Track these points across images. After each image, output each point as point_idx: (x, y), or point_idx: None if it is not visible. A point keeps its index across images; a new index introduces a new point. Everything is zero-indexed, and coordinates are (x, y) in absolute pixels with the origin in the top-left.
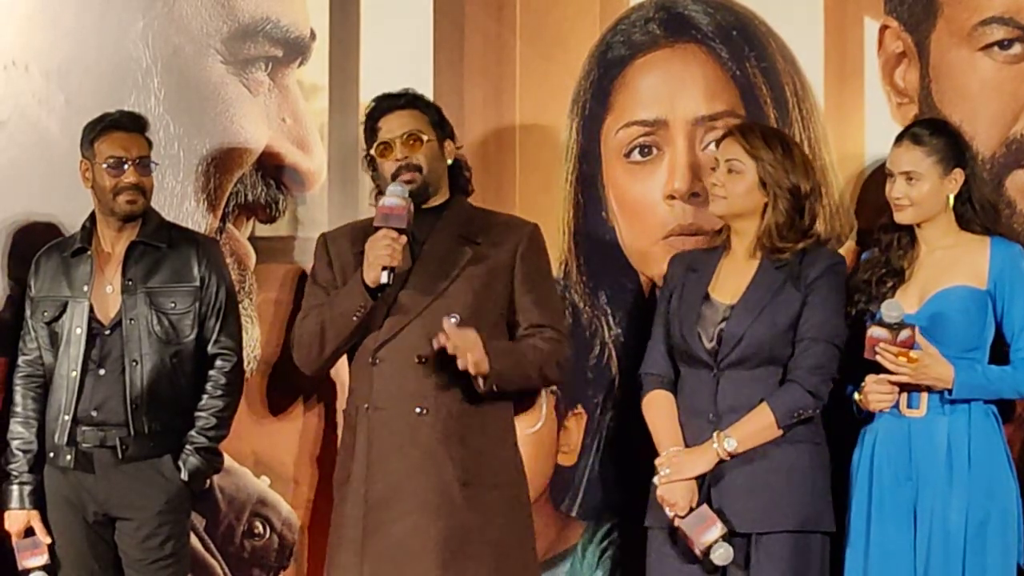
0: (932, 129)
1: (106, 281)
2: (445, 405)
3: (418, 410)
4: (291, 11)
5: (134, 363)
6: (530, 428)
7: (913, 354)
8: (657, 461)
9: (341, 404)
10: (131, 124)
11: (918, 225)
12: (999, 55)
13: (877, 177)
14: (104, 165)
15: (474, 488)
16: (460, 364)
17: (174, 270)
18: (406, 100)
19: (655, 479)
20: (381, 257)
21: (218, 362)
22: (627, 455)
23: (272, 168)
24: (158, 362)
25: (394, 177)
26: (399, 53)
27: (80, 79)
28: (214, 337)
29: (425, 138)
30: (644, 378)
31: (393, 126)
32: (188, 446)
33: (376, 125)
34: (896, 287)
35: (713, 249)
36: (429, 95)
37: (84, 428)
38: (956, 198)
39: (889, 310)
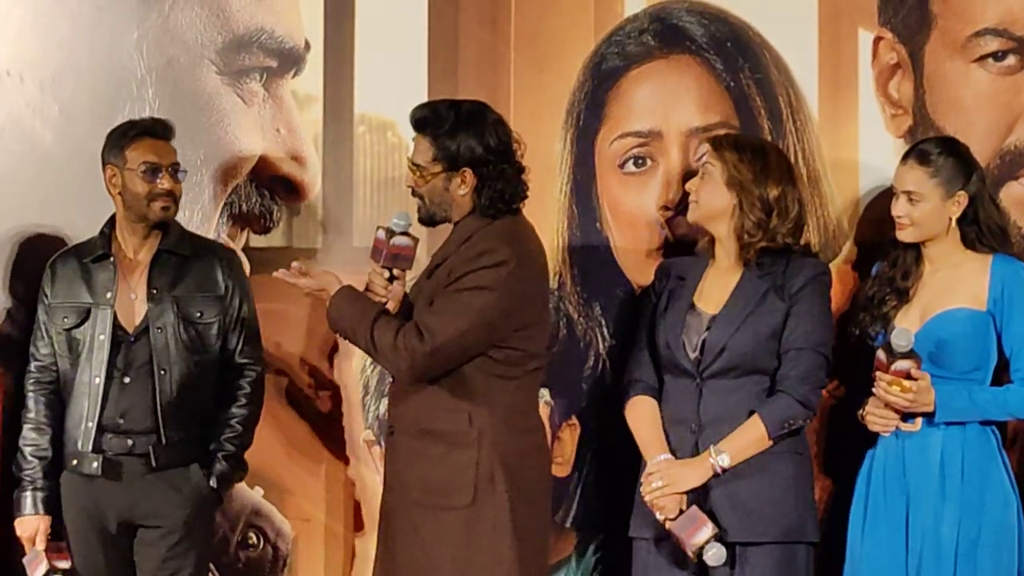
0: (940, 148)
1: (130, 289)
2: (408, 425)
3: (390, 430)
4: (285, 22)
5: (163, 372)
6: None
7: (907, 383)
8: (648, 470)
9: (333, 415)
10: (163, 131)
11: (923, 244)
12: (993, 66)
13: (881, 193)
14: (140, 171)
15: (427, 510)
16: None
17: (199, 280)
18: (416, 121)
19: (640, 489)
20: (370, 295)
21: (244, 372)
22: (621, 466)
23: (266, 179)
24: (185, 371)
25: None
26: (393, 63)
27: (74, 89)
28: (239, 347)
29: (419, 173)
30: (627, 384)
31: (413, 146)
32: (218, 453)
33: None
34: (898, 307)
35: (699, 258)
36: None
37: (109, 436)
38: (962, 219)
39: (898, 339)
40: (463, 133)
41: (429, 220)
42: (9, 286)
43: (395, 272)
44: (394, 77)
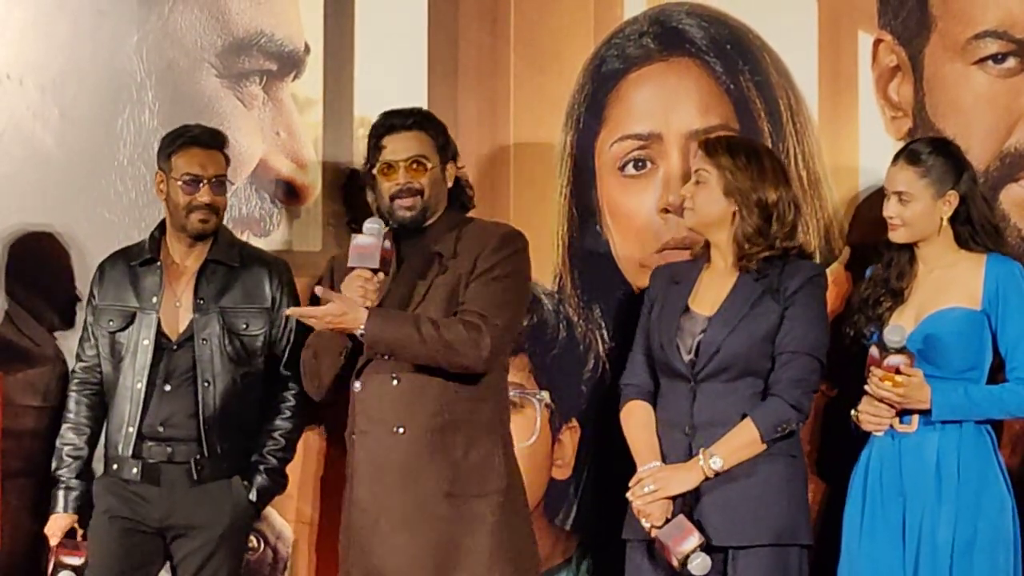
0: (930, 148)
1: (175, 296)
2: (422, 421)
3: (396, 429)
4: (285, 25)
5: (207, 383)
6: (524, 442)
7: (899, 378)
8: (638, 476)
9: (333, 417)
10: (210, 141)
11: (916, 245)
12: (993, 69)
13: (874, 194)
14: (180, 182)
15: (458, 499)
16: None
17: (246, 291)
18: (414, 121)
19: (630, 492)
20: (355, 299)
21: (290, 385)
22: (621, 468)
23: (266, 181)
24: (229, 382)
25: (393, 199)
26: (393, 66)
27: (75, 92)
28: (285, 359)
29: (429, 164)
30: (623, 389)
31: (398, 148)
32: (260, 466)
33: (380, 143)
34: (893, 308)
35: (695, 261)
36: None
37: (149, 443)
38: (955, 218)
39: (891, 335)
40: (445, 129)
41: (421, 217)
42: (8, 289)
43: (380, 275)
44: (394, 80)
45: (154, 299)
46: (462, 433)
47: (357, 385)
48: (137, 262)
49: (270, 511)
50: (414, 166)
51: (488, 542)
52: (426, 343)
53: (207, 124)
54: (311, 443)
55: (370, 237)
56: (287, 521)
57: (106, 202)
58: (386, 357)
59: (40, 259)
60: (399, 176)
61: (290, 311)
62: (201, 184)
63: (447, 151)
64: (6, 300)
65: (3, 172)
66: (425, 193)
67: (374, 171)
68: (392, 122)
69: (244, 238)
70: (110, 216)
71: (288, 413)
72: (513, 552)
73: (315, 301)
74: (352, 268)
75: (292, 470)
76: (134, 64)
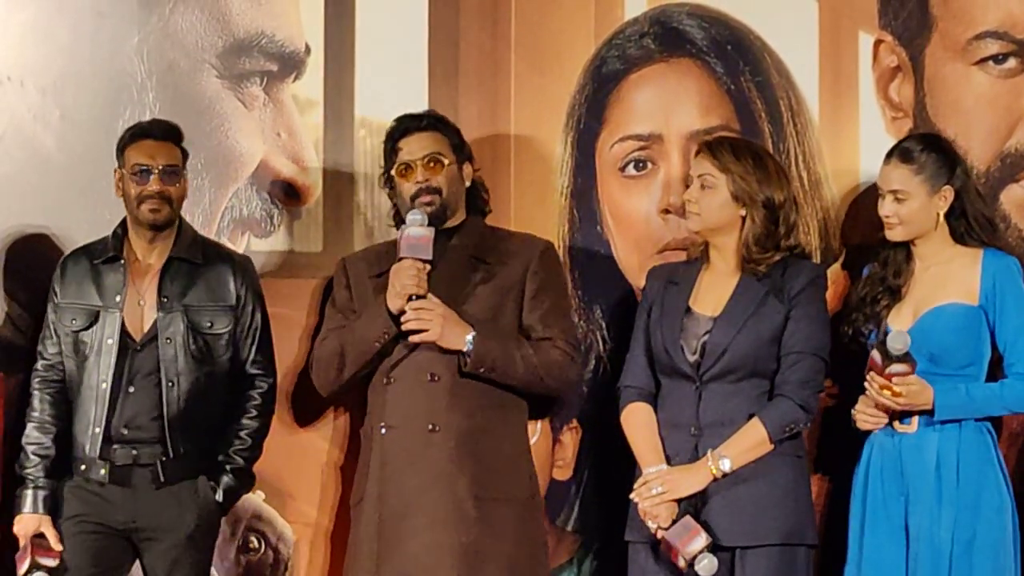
0: (922, 145)
1: (139, 294)
2: (456, 422)
3: (430, 427)
4: (286, 26)
5: (170, 384)
6: None
7: (896, 388)
8: (644, 478)
9: (334, 418)
10: (160, 132)
11: (912, 242)
12: (993, 69)
13: (868, 194)
14: (131, 173)
15: (487, 503)
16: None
17: (210, 288)
18: (428, 122)
19: (634, 494)
20: (407, 287)
21: (256, 383)
22: (622, 469)
23: (267, 182)
24: (193, 382)
25: (413, 199)
26: (394, 67)
27: (75, 94)
28: (251, 358)
29: (446, 161)
30: (623, 391)
31: (414, 148)
32: (226, 466)
33: (397, 145)
34: (891, 305)
35: (692, 262)
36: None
37: (114, 446)
38: (950, 213)
39: (894, 342)
40: (458, 131)
41: (442, 214)
42: (10, 291)
43: (428, 266)
44: (394, 80)
45: (117, 298)
46: (493, 437)
47: (389, 380)
48: (100, 260)
49: (271, 512)
50: (431, 164)
51: (512, 548)
52: (526, 364)
53: (208, 125)
54: (312, 444)
55: (422, 228)
56: (288, 522)
57: (107, 204)
58: (484, 369)
59: (40, 261)
60: (417, 175)
61: (411, 305)
62: (151, 174)
63: (463, 151)
64: (6, 301)
65: (3, 174)
66: (443, 191)
67: (392, 173)
68: (406, 125)
69: (245, 239)
70: (111, 218)
71: (255, 412)
72: (532, 559)
73: (394, 317)
74: (401, 258)
75: (292, 471)
76: (135, 65)
